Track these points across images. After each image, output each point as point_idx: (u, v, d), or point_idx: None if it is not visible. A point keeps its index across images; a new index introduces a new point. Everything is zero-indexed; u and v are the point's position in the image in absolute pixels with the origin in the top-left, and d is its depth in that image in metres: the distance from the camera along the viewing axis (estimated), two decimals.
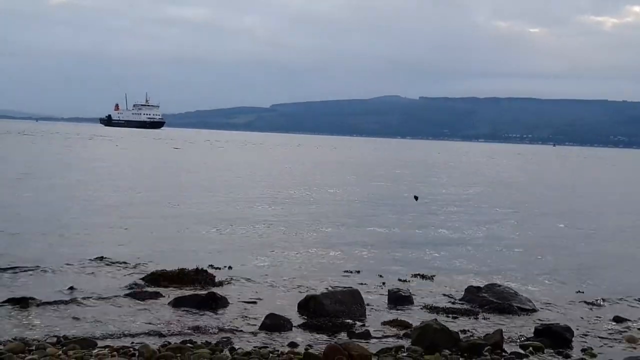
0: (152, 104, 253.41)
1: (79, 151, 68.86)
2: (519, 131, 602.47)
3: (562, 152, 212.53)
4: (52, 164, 46.65)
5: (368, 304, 12.03)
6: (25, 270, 13.45)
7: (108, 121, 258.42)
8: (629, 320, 12.18)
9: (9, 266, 13.70)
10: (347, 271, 15.19)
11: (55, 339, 9.45)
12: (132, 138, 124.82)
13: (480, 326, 11.29)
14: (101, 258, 14.98)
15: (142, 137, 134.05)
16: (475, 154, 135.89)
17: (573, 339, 10.65)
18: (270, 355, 9.06)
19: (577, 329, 11.16)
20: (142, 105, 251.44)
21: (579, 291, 14.34)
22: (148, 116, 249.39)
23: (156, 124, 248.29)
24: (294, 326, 10.72)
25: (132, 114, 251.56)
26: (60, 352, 8.76)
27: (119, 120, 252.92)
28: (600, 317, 12.28)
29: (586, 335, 11.13)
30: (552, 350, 10.18)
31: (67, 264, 14.35)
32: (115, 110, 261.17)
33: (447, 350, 9.64)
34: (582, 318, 12.16)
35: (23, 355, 8.55)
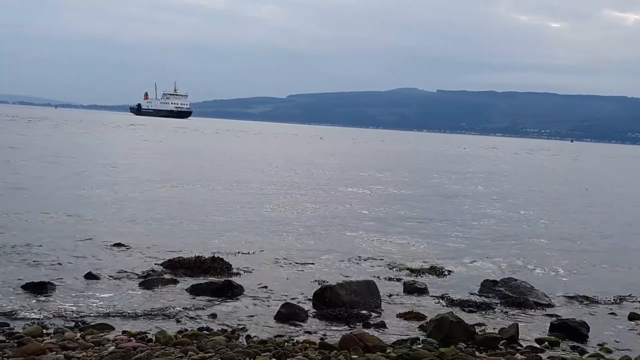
0: (180, 94, 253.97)
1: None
2: (536, 126, 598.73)
3: (594, 149, 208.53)
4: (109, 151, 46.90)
5: (384, 295, 12.04)
6: (44, 256, 13.57)
7: (138, 110, 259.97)
8: None
9: (28, 251, 13.84)
10: (363, 262, 15.20)
11: (73, 324, 9.56)
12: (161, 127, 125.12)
13: (495, 320, 11.29)
14: (119, 244, 15.08)
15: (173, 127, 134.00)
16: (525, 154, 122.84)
17: (589, 335, 10.62)
18: (286, 344, 9.09)
19: (593, 325, 11.12)
20: (170, 94, 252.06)
21: (596, 287, 14.27)
22: (176, 105, 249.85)
23: (183, 114, 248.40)
24: (310, 316, 10.76)
25: (161, 103, 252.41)
26: (78, 336, 8.85)
27: (148, 109, 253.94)
28: (616, 314, 12.23)
29: (602, 331, 11.09)
30: (567, 345, 10.16)
31: (86, 250, 14.47)
32: (144, 99, 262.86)
33: (462, 343, 9.63)
34: (598, 314, 12.13)
35: (41, 338, 8.63)
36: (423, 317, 10.96)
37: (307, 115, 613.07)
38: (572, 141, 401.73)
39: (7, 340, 8.52)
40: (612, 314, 12.23)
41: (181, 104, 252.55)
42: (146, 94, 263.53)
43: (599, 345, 10.28)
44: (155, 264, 13.56)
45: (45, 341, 8.50)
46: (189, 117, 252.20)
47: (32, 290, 11.01)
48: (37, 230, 16.14)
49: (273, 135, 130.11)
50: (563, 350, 9.97)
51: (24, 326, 9.21)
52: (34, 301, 10.56)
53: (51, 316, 9.90)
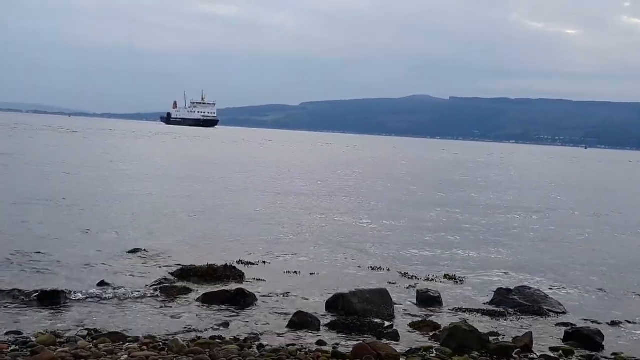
0: (207, 102, 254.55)
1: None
2: (550, 132, 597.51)
3: (623, 157, 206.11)
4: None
5: (396, 304, 12.00)
6: (57, 264, 13.61)
7: (168, 119, 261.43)
8: None
9: (41, 259, 13.89)
10: (376, 270, 15.17)
11: (86, 332, 9.54)
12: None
13: (509, 328, 11.21)
14: (132, 252, 15.14)
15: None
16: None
17: (603, 343, 10.54)
18: (298, 353, 9.06)
19: (608, 333, 11.04)
20: (197, 103, 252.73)
21: (611, 296, 14.18)
22: (202, 114, 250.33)
23: (210, 122, 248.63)
24: (322, 324, 10.71)
25: (188, 111, 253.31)
26: (91, 345, 8.85)
27: (177, 118, 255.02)
28: (631, 322, 12.12)
29: (616, 339, 11.00)
30: (582, 354, 10.07)
31: (99, 258, 14.51)
32: (173, 108, 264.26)
33: (476, 352, 9.57)
34: (612, 322, 12.01)
35: (54, 347, 8.63)
36: (436, 326, 10.90)
37: (319, 122, 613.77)
38: (586, 148, 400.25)
39: (20, 349, 8.53)
40: (628, 322, 12.12)
41: (208, 113, 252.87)
42: (175, 103, 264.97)
43: (613, 354, 10.19)
44: (169, 272, 13.58)
45: (58, 350, 8.49)
46: (216, 126, 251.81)
47: (45, 298, 11.02)
48: (51, 239, 16.20)
49: (299, 143, 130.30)
50: (577, 358, 9.89)
51: (37, 335, 9.20)
52: (47, 309, 10.58)
53: (64, 325, 9.90)
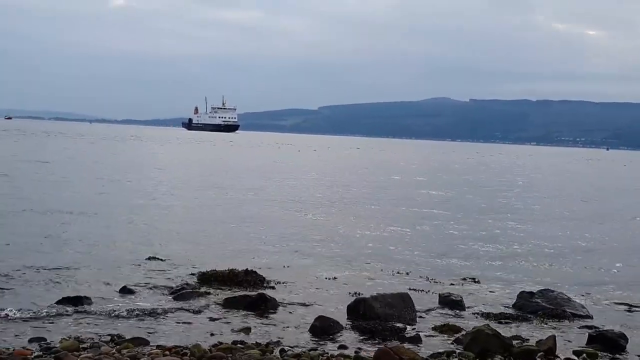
0: (228, 107, 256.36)
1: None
2: (571, 134, 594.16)
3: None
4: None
5: (418, 308, 11.93)
6: (79, 270, 13.70)
7: (189, 125, 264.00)
8: None
9: (63, 265, 13.98)
10: (397, 274, 15.12)
11: (109, 338, 9.58)
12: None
13: (532, 332, 11.12)
14: (154, 258, 15.19)
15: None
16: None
17: (627, 346, 10.43)
18: (320, 357, 9.05)
19: (632, 336, 10.91)
20: (218, 108, 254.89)
21: (634, 298, 14.03)
22: (223, 119, 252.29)
23: (231, 127, 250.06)
24: (344, 329, 10.69)
25: (209, 117, 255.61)
26: (114, 350, 8.89)
27: (198, 123, 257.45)
28: None
29: None
30: (606, 357, 9.99)
31: (121, 264, 14.59)
32: (194, 113, 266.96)
33: (499, 356, 9.52)
34: (637, 325, 11.89)
35: (78, 353, 8.69)
36: (459, 330, 10.84)
37: (338, 126, 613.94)
38: (607, 149, 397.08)
39: (44, 355, 8.59)
40: None
41: (229, 118, 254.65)
42: (196, 109, 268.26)
43: (638, 356, 10.10)
44: (190, 277, 13.62)
45: (81, 355, 8.55)
46: (237, 131, 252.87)
47: (68, 304, 11.10)
48: (73, 246, 16.30)
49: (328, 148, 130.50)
50: None
51: (60, 340, 9.26)
52: (70, 315, 10.64)
53: (87, 330, 9.95)
